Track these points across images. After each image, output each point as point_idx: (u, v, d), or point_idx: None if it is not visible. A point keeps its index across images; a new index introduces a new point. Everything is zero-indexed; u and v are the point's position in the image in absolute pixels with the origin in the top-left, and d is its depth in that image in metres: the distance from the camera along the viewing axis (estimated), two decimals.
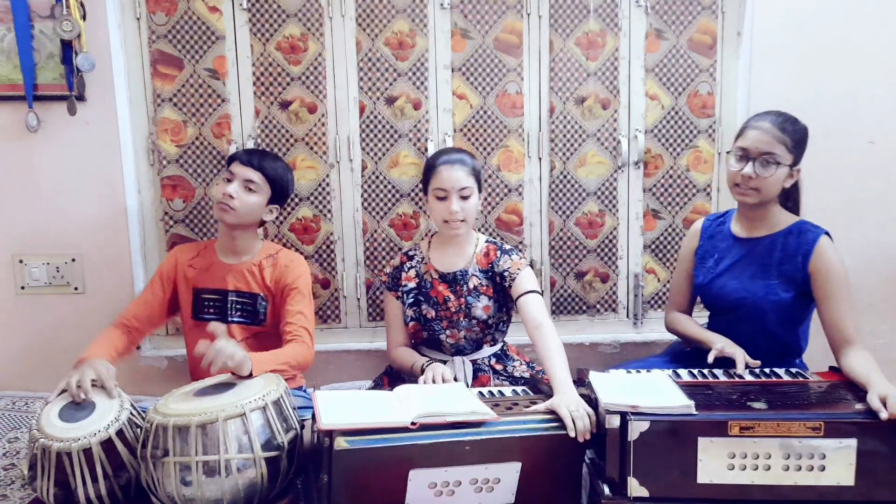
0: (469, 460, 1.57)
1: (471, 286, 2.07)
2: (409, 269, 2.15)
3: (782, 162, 1.85)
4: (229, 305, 2.09)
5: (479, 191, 2.06)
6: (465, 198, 2.00)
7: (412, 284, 2.13)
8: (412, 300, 2.12)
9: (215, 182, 2.15)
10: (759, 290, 1.91)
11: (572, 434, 1.59)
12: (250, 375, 1.74)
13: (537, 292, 2.00)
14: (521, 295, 1.99)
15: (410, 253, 2.18)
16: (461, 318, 2.08)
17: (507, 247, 2.11)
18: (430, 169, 2.05)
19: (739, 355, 1.83)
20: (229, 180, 2.03)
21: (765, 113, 1.93)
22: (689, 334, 2.06)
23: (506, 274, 2.04)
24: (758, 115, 1.94)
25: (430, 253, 2.14)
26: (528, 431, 1.61)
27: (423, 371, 1.95)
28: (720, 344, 1.87)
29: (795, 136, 1.87)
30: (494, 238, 2.17)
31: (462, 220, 2.01)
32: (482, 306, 2.06)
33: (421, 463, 1.55)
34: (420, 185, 2.47)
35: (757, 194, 1.88)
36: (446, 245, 2.12)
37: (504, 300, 2.10)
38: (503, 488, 1.61)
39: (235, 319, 2.09)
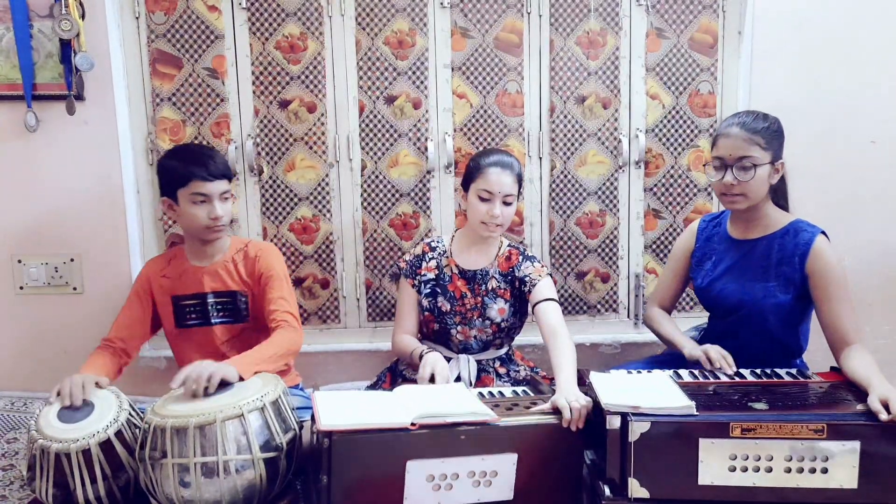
0: (465, 451, 1.57)
1: (489, 287, 2.09)
2: (430, 259, 2.15)
3: (759, 163, 1.83)
4: (210, 308, 2.07)
5: (518, 197, 2.08)
6: (507, 204, 2.02)
7: (431, 275, 2.14)
8: (429, 291, 2.13)
9: (170, 207, 2.00)
10: (757, 292, 1.90)
11: (567, 417, 1.60)
12: (241, 380, 1.72)
13: (556, 301, 2.02)
14: (540, 301, 2.00)
15: (433, 244, 2.18)
16: (475, 317, 2.09)
17: (530, 253, 2.14)
18: (477, 168, 2.04)
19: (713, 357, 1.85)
20: (203, 201, 1.96)
21: (733, 116, 1.92)
22: (664, 334, 2.06)
23: (527, 279, 2.05)
24: (726, 120, 1.92)
25: (454, 247, 2.16)
26: (523, 422, 1.63)
27: (420, 359, 1.95)
28: (690, 352, 1.89)
29: (767, 133, 1.84)
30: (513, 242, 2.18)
31: (499, 225, 2.03)
32: (498, 308, 2.08)
33: (418, 453, 1.55)
34: (421, 185, 2.47)
35: (745, 199, 1.86)
36: (471, 243, 2.14)
37: (520, 305, 2.11)
38: (501, 482, 1.61)
39: (218, 321, 2.08)
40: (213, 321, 2.07)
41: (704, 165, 1.93)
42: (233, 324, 2.08)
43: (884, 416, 1.50)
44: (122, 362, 2.02)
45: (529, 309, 2.09)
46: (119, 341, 2.02)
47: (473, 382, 2.04)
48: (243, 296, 2.07)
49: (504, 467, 1.60)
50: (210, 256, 2.09)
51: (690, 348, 1.92)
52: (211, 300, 2.07)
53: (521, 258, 2.10)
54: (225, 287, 2.07)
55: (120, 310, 2.09)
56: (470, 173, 2.07)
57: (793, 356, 1.99)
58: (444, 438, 1.56)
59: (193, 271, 2.08)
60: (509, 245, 2.15)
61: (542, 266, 2.09)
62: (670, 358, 2.12)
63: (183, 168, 1.95)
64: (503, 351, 2.17)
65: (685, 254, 2.10)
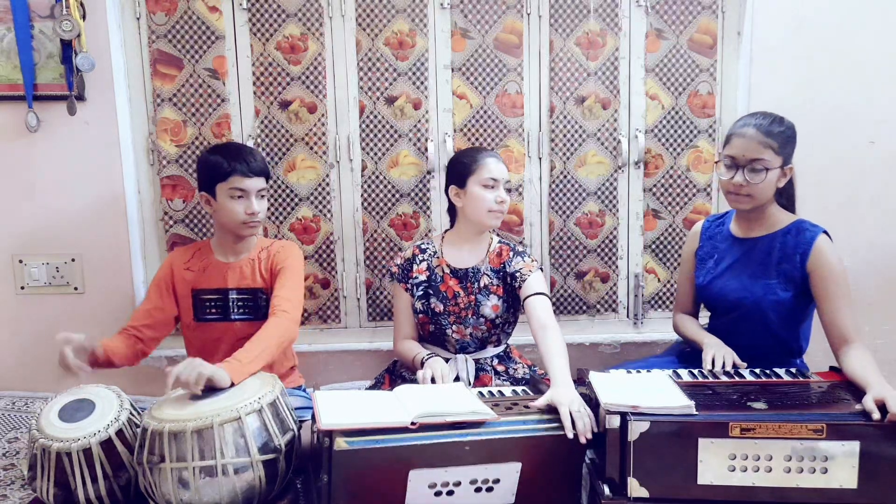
0: (469, 461, 1.56)
1: (482, 284, 2.09)
2: (420, 261, 2.16)
3: (771, 166, 1.83)
4: (231, 303, 2.09)
5: None
6: (507, 190, 2.09)
7: (423, 277, 2.14)
8: (421, 293, 2.13)
9: (208, 202, 2.03)
10: (758, 289, 1.91)
11: (570, 434, 1.59)
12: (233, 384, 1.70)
13: (546, 295, 2.01)
14: (530, 296, 2.00)
15: (423, 246, 2.19)
16: (469, 315, 2.09)
17: (520, 248, 2.14)
18: (474, 161, 2.07)
19: (729, 359, 1.85)
20: (241, 197, 1.99)
21: (749, 116, 1.91)
22: (688, 335, 2.07)
23: (517, 274, 2.05)
24: (742, 119, 1.91)
25: (444, 248, 2.16)
26: (528, 432, 1.61)
27: (422, 364, 1.96)
28: (709, 352, 1.88)
29: (782, 137, 1.84)
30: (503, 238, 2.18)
31: (503, 212, 2.08)
32: (491, 305, 2.08)
33: (421, 463, 1.54)
34: (421, 185, 2.47)
35: (751, 200, 1.87)
36: (462, 242, 2.14)
37: (513, 301, 2.11)
38: (503, 488, 1.61)
39: (238, 317, 2.09)
40: (233, 317, 2.09)
41: (717, 162, 1.92)
42: (252, 321, 2.08)
43: (876, 415, 1.50)
44: (139, 349, 2.03)
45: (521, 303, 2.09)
46: (134, 329, 2.03)
47: (472, 382, 2.04)
48: (264, 293, 2.08)
49: (507, 475, 1.60)
50: (237, 253, 2.11)
51: (713, 351, 1.89)
52: (233, 296, 2.08)
53: (511, 254, 2.10)
54: (247, 284, 2.09)
55: (121, 309, 2.10)
56: (465, 168, 2.07)
57: (793, 355, 1.99)
58: (448, 448, 1.55)
59: (218, 266, 2.10)
60: (500, 241, 2.15)
61: (533, 261, 2.09)
62: (670, 358, 2.13)
63: (224, 163, 1.98)
64: (501, 348, 2.17)
65: (691, 255, 2.11)
